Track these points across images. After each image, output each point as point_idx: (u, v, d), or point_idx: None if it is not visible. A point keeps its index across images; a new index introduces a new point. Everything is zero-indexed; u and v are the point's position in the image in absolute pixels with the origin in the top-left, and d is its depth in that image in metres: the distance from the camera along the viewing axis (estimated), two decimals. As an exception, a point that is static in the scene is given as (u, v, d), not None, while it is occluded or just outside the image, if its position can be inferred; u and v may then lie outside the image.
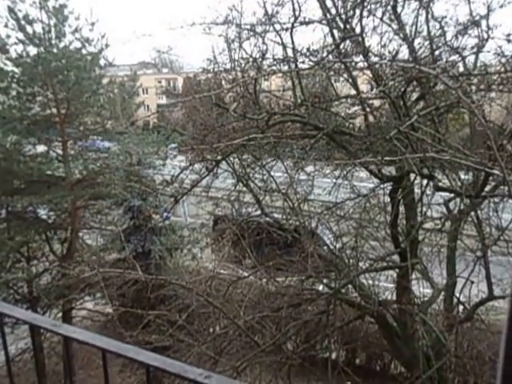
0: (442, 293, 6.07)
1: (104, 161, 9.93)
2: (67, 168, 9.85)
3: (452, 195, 5.43)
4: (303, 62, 4.69)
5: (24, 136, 9.74)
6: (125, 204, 8.99)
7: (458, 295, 5.95)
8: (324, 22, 4.64)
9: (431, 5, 5.13)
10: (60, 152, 10.12)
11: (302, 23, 4.25)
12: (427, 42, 5.21)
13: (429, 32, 5.16)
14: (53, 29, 9.75)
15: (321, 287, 6.73)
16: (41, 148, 10.30)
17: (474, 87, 4.59)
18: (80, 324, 10.36)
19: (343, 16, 4.80)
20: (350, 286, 5.99)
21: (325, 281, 6.39)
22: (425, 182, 5.45)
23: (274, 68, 4.67)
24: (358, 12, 4.32)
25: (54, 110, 9.92)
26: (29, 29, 9.61)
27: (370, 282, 6.29)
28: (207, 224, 8.20)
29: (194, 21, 5.13)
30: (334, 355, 8.00)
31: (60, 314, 10.20)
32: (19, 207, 9.95)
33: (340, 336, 7.95)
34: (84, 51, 10.10)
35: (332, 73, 5.53)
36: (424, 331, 4.91)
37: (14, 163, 9.42)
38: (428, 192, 5.55)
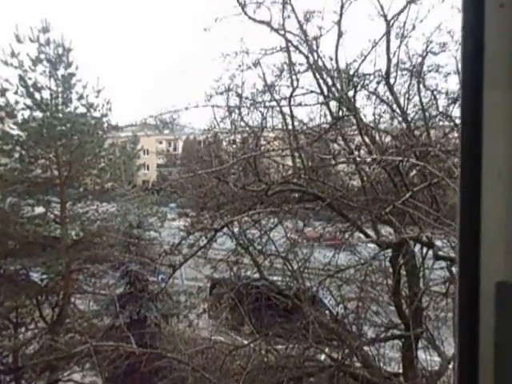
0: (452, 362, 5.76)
1: (102, 222, 9.86)
2: (64, 230, 9.74)
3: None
4: (301, 132, 4.89)
5: (23, 198, 9.76)
6: (122, 268, 8.76)
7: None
8: (321, 96, 4.91)
9: (423, 75, 5.47)
10: (58, 213, 10.08)
11: (299, 105, 4.50)
12: (420, 111, 5.49)
13: (421, 101, 5.43)
14: (60, 95, 10.20)
15: (323, 357, 6.38)
16: (39, 209, 10.26)
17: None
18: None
19: (339, 89, 5.09)
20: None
21: (327, 349, 6.07)
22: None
23: (272, 142, 4.85)
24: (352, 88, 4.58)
25: (55, 172, 10.05)
26: (37, 95, 10.06)
27: (375, 351, 5.99)
28: (204, 288, 7.96)
29: (197, 89, 5.45)
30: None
31: (45, 386, 9.48)
32: (12, 270, 9.67)
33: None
34: (88, 115, 10.50)
35: (330, 140, 5.73)
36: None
37: (10, 225, 9.32)
38: (430, 254, 5.49)
